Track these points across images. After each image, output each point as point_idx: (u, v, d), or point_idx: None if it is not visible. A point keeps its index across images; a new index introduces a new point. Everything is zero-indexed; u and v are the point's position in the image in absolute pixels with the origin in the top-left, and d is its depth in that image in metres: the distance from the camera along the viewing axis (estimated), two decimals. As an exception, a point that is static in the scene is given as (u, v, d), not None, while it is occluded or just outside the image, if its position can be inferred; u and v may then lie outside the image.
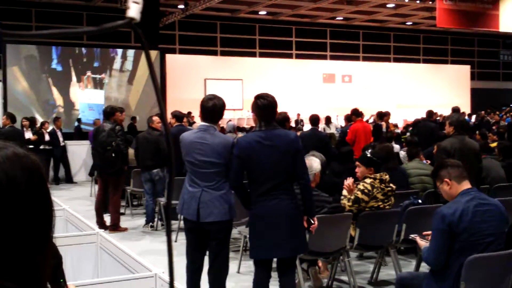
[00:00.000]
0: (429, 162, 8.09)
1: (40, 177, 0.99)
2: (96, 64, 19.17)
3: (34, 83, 17.91)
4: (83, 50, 19.12)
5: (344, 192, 5.50)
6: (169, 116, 9.52)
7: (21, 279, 0.94)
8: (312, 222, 4.42)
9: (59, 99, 18.45)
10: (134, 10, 1.02)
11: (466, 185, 3.80)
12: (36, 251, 0.96)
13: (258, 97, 4.43)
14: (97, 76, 19.09)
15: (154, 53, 19.23)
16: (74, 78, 18.67)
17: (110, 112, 8.55)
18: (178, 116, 9.16)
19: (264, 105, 4.35)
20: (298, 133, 9.15)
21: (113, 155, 8.21)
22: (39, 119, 15.39)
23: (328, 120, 17.99)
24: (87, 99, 18.88)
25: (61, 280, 1.59)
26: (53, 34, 1.00)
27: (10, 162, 0.95)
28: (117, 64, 19.41)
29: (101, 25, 1.02)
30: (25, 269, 0.94)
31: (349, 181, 5.44)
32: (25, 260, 0.94)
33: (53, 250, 1.49)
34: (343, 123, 15.74)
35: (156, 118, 9.05)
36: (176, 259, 5.74)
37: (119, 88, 19.41)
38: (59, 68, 18.54)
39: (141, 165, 8.83)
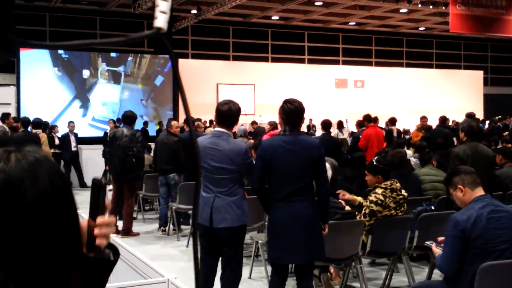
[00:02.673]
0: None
1: (65, 183, 0.98)
2: (113, 54, 19.11)
3: (46, 84, 17.94)
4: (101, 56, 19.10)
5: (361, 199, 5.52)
6: (181, 121, 9.58)
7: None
8: (323, 228, 4.42)
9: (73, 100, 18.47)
10: (161, 20, 1.00)
11: (480, 191, 3.78)
12: (65, 261, 0.94)
13: (285, 102, 4.45)
14: (114, 68, 19.01)
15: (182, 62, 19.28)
16: (86, 72, 18.61)
17: (131, 117, 8.53)
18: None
19: (291, 110, 4.37)
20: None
21: (134, 160, 8.24)
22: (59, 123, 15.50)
23: (340, 125, 17.85)
24: (100, 95, 18.74)
25: None
26: (79, 44, 0.99)
27: (35, 167, 0.94)
28: (129, 67, 19.45)
29: (128, 35, 1.01)
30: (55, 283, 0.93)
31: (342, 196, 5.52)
32: (55, 265, 0.93)
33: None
34: (354, 128, 15.72)
35: (174, 123, 9.11)
36: (189, 264, 5.78)
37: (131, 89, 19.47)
38: (71, 62, 18.49)
39: (158, 169, 8.86)
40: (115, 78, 18.93)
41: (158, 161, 8.82)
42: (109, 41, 0.97)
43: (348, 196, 5.59)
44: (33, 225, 0.90)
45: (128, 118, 8.53)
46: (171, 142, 8.72)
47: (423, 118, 14.19)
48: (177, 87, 1.08)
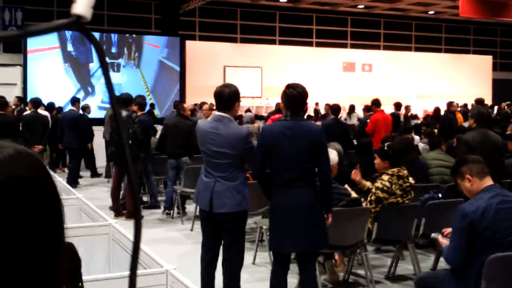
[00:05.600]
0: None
1: (48, 174, 0.93)
2: (114, 50, 19.20)
3: (53, 68, 17.95)
4: (103, 36, 19.06)
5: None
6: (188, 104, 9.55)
7: (35, 283, 0.88)
8: (326, 218, 4.36)
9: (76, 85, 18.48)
10: (82, 5, 0.79)
11: (488, 181, 3.71)
12: (49, 253, 0.90)
13: (288, 87, 4.37)
14: (114, 61, 19.09)
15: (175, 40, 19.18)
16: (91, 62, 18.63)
17: (127, 99, 8.56)
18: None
19: (293, 95, 4.28)
20: (319, 123, 9.07)
21: (130, 142, 8.21)
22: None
23: (351, 110, 17.23)
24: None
25: (80, 284, 1.54)
26: None
27: (13, 161, 0.89)
28: (131, 50, 19.43)
29: (32, 26, 0.79)
30: (39, 273, 0.89)
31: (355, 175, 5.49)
32: (38, 263, 0.88)
33: (73, 253, 1.44)
34: (360, 113, 15.56)
35: (188, 106, 9.12)
36: (192, 248, 5.75)
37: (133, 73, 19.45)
38: (75, 52, 18.51)
39: (168, 152, 8.79)
40: (116, 67, 19.08)
41: (170, 145, 8.72)
42: (10, 34, 0.81)
43: (359, 177, 5.53)
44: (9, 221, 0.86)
45: (124, 100, 8.54)
46: (185, 125, 8.66)
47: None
48: (105, 79, 0.87)
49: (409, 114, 16.54)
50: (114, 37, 19.33)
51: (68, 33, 17.86)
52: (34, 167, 0.91)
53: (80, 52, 18.27)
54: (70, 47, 18.24)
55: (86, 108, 13.16)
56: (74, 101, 12.73)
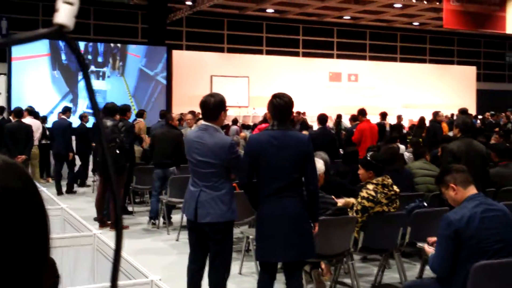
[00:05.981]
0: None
1: (34, 185, 0.92)
2: (100, 59, 19.25)
3: (39, 76, 17.88)
4: (89, 47, 19.13)
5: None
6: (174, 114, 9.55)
7: None
8: (313, 227, 4.36)
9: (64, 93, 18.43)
10: (64, 14, 0.78)
11: (472, 190, 3.74)
12: (34, 267, 0.88)
13: (274, 96, 4.37)
14: (100, 69, 19.21)
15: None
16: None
17: (111, 109, 8.51)
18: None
19: (280, 105, 4.28)
20: (305, 132, 9.09)
21: (117, 151, 8.17)
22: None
23: (339, 119, 17.00)
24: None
25: None
26: None
27: (1, 172, 0.89)
28: (116, 60, 19.56)
29: (16, 35, 0.78)
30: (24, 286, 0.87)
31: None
32: (23, 277, 0.86)
33: (53, 268, 1.42)
34: (347, 123, 15.60)
35: (176, 116, 9.12)
36: (178, 258, 5.71)
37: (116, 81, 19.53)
38: (66, 61, 18.54)
39: (155, 162, 8.75)
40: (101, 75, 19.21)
41: (157, 155, 8.69)
42: None
43: (341, 202, 5.51)
44: None
45: (109, 110, 8.50)
46: (173, 135, 8.63)
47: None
48: (87, 90, 0.86)
49: (401, 122, 16.58)
50: (101, 47, 19.36)
51: (61, 42, 17.83)
52: (21, 178, 0.90)
53: (71, 60, 18.25)
54: (63, 56, 18.30)
55: (83, 117, 13.02)
56: (66, 110, 12.71)
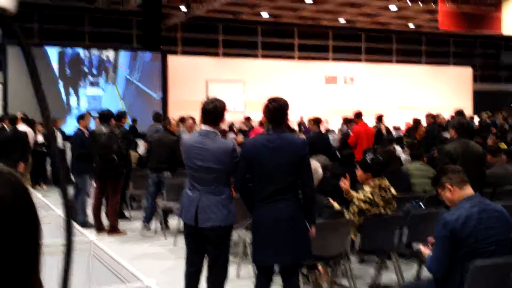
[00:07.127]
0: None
1: (28, 194, 0.91)
2: (94, 71, 19.64)
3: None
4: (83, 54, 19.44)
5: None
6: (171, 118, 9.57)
7: None
8: (309, 229, 4.35)
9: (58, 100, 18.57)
10: None
11: (468, 190, 3.73)
12: (25, 276, 0.88)
13: (270, 101, 4.37)
14: (94, 80, 19.77)
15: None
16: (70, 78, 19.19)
17: (107, 115, 8.49)
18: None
19: (275, 108, 4.29)
20: (301, 135, 9.09)
21: (115, 157, 8.15)
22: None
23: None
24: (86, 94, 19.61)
25: None
26: None
27: None
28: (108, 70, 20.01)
29: None
30: None
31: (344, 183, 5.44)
32: (13, 285, 0.86)
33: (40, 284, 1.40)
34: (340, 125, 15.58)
35: (174, 122, 9.11)
36: (175, 263, 5.67)
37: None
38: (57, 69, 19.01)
39: (151, 166, 8.74)
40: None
41: (153, 159, 8.68)
42: None
43: (348, 187, 5.50)
44: None
45: (105, 116, 8.49)
46: (169, 140, 8.62)
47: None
48: (32, 80, 0.84)
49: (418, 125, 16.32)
50: (95, 59, 19.48)
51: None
52: (12, 186, 0.89)
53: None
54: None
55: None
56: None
